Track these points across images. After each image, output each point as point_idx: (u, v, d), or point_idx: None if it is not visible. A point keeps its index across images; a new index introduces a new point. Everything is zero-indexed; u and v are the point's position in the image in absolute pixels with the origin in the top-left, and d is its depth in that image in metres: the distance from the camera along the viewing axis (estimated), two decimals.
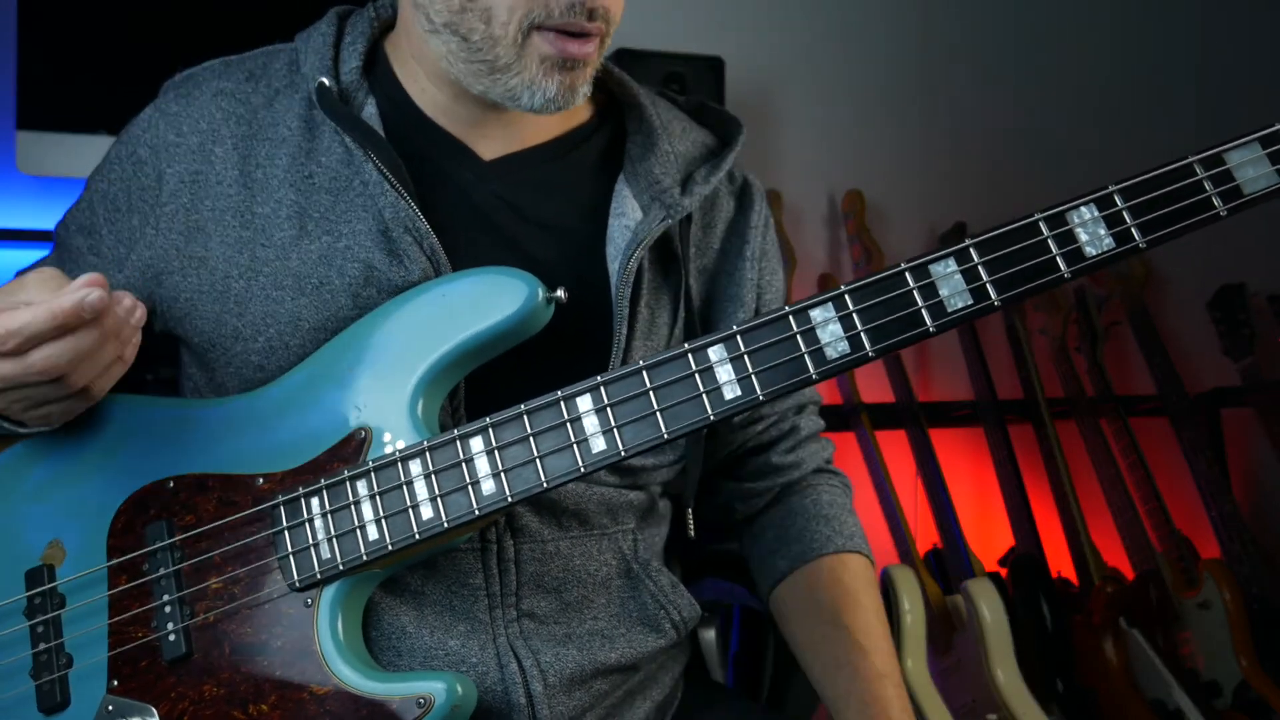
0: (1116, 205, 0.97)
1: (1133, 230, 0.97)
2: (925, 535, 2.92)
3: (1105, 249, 0.98)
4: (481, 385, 1.14)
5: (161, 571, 1.11)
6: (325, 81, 1.19)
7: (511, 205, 1.20)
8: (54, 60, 2.20)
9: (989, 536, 3.08)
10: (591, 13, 1.09)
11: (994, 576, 2.78)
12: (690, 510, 1.28)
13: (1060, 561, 2.98)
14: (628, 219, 1.21)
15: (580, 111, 1.28)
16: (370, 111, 1.21)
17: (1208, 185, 0.97)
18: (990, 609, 2.59)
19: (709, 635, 1.56)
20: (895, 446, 2.96)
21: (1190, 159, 0.97)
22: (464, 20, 1.12)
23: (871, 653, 1.24)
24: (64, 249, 1.28)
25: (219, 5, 2.31)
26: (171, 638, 1.10)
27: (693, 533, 1.29)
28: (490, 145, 1.21)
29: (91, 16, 2.24)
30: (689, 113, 1.33)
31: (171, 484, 1.14)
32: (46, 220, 2.31)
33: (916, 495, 2.99)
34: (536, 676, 1.14)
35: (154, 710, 1.09)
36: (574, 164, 1.25)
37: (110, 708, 1.10)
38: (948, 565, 2.85)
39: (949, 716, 2.46)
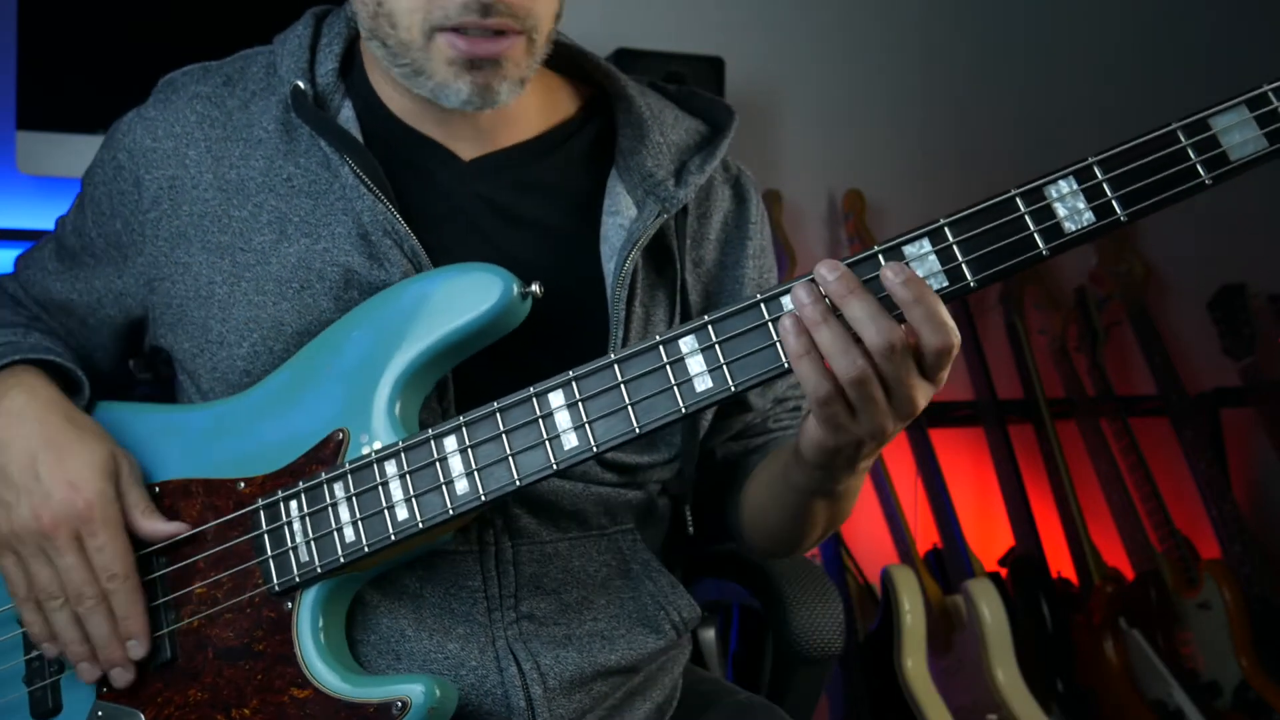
0: (1096, 177, 0.93)
1: (1113, 203, 0.93)
2: (925, 535, 2.92)
3: (1085, 224, 0.93)
4: (472, 387, 1.14)
5: (146, 577, 1.11)
6: (300, 85, 1.18)
7: (495, 206, 1.19)
8: (54, 60, 2.20)
9: (989, 536, 3.08)
10: (486, 9, 1.06)
11: (994, 576, 2.78)
12: (688, 508, 1.27)
13: (1060, 561, 2.98)
14: (622, 216, 1.19)
15: (565, 106, 1.26)
16: (347, 114, 1.20)
17: (1192, 153, 0.91)
18: (990, 609, 2.59)
19: (709, 635, 1.56)
20: (895, 446, 2.96)
21: (1173, 125, 0.92)
22: (379, 27, 1.11)
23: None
24: (60, 246, 1.29)
25: (219, 5, 2.31)
26: (156, 643, 1.10)
27: (691, 529, 1.28)
28: (467, 145, 1.20)
29: (91, 16, 2.24)
30: (678, 101, 1.30)
31: (157, 489, 1.14)
32: (46, 220, 2.30)
33: (916, 495, 2.99)
34: (536, 679, 1.13)
35: (141, 715, 1.10)
36: (560, 161, 1.23)
37: (100, 714, 1.11)
38: (948, 565, 2.85)
39: (949, 716, 2.47)
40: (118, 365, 1.32)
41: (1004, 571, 2.93)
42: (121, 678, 1.10)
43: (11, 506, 1.09)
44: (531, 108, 1.22)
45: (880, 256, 0.97)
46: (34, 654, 1.14)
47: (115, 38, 2.26)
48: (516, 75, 1.12)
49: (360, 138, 1.18)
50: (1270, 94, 0.91)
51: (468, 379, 1.14)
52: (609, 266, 1.18)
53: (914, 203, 3.22)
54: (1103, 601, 2.81)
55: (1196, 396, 3.27)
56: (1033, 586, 2.87)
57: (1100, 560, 2.96)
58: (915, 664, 2.53)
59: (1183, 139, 0.92)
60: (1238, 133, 0.91)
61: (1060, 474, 2.99)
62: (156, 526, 1.11)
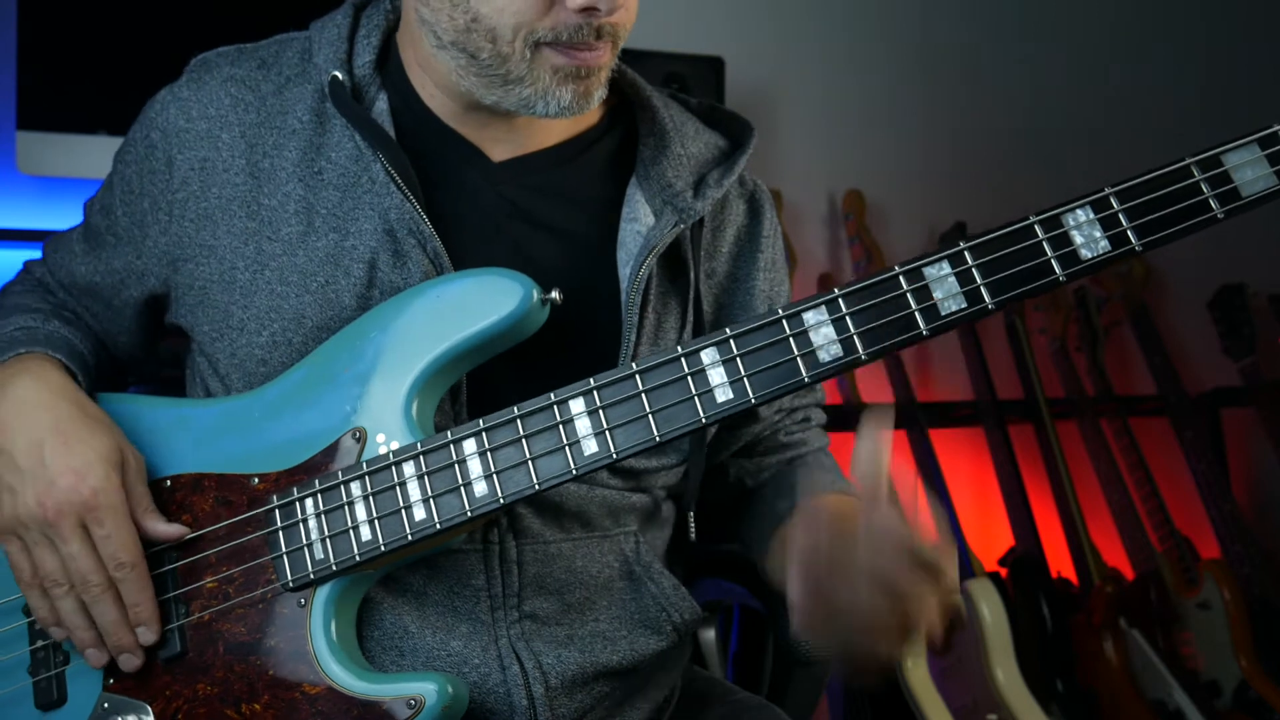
0: (1113, 208, 0.97)
1: (1129, 233, 0.96)
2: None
3: (1101, 252, 0.96)
4: (485, 390, 1.14)
5: (157, 570, 1.11)
6: (339, 75, 1.18)
7: (519, 208, 1.20)
8: (54, 61, 2.20)
9: (989, 536, 3.08)
10: (599, 31, 1.09)
11: (994, 576, 2.78)
12: (691, 514, 1.28)
13: (1060, 561, 2.98)
14: (639, 224, 1.20)
15: (591, 114, 1.26)
16: (381, 107, 1.20)
17: (1205, 187, 0.95)
18: (990, 609, 2.59)
19: (709, 635, 1.56)
20: (895, 446, 2.95)
21: (1188, 160, 0.96)
22: (470, 39, 1.11)
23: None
24: (87, 226, 1.31)
25: (219, 6, 2.31)
26: (166, 636, 1.10)
27: (694, 536, 1.28)
28: (499, 148, 1.21)
29: (91, 17, 2.24)
30: (700, 115, 1.32)
31: (169, 483, 1.14)
32: (47, 220, 2.32)
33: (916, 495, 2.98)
34: (538, 678, 1.14)
35: (149, 708, 1.10)
36: (584, 167, 1.24)
37: (106, 705, 1.11)
38: None
39: (949, 716, 2.47)
40: (143, 349, 1.32)
41: (1004, 571, 2.93)
42: (129, 663, 1.10)
43: (16, 492, 1.09)
44: None
45: (901, 278, 0.99)
46: (39, 644, 1.14)
47: (115, 38, 2.26)
48: (605, 79, 1.15)
49: (393, 132, 1.19)
50: None
51: (480, 380, 1.14)
52: (624, 273, 1.19)
53: (914, 203, 3.22)
54: (1103, 601, 2.81)
55: (1196, 396, 3.27)
56: (1033, 586, 2.87)
57: (1100, 560, 2.95)
58: (915, 664, 2.53)
59: (1196, 174, 0.96)
60: (1249, 170, 0.95)
61: (1060, 474, 2.98)
62: (157, 527, 1.11)
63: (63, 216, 2.24)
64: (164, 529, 1.11)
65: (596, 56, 1.11)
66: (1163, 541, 2.92)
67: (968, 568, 2.79)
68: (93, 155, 2.16)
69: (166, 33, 2.27)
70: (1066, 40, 3.44)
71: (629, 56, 2.57)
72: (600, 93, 1.15)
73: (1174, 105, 3.50)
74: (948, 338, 3.14)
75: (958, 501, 2.88)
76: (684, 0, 3.01)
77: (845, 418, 2.94)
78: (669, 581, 1.25)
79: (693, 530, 1.28)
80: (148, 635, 1.10)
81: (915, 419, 2.94)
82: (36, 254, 2.39)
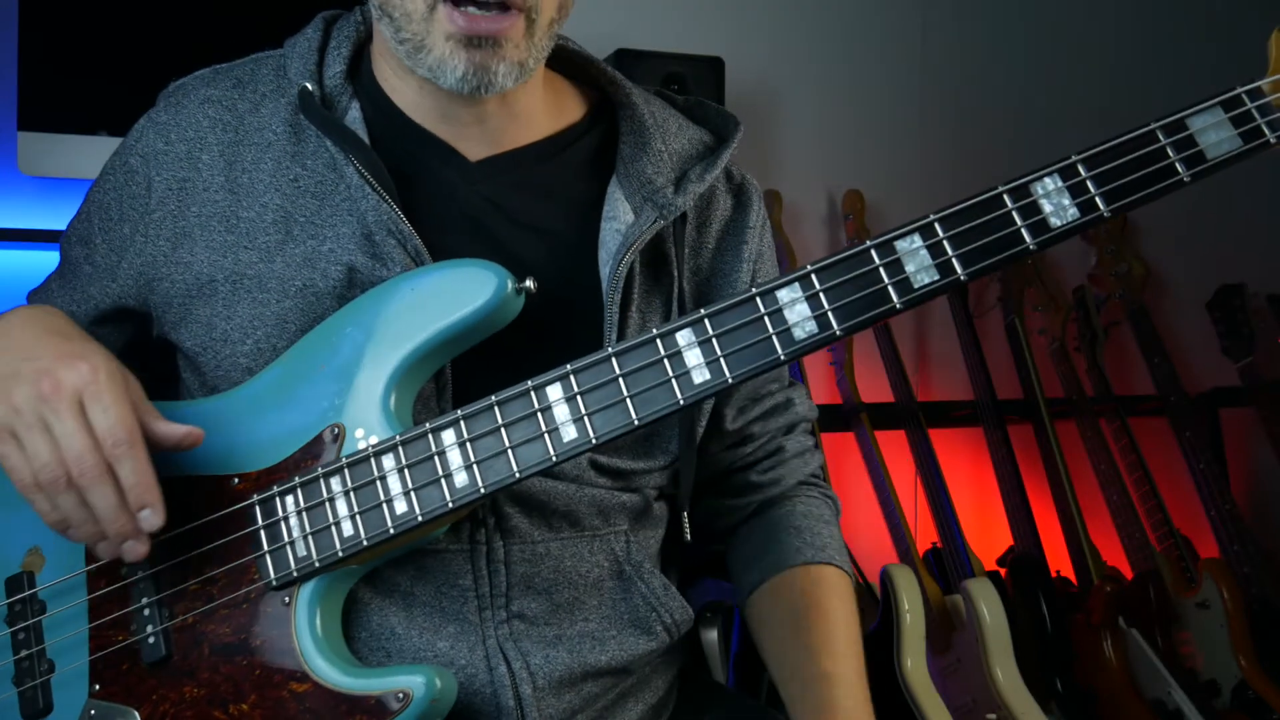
0: (1080, 175, 0.97)
1: (1097, 199, 0.97)
2: (925, 535, 2.92)
3: (1070, 219, 0.97)
4: (471, 390, 1.14)
5: (140, 574, 1.11)
6: (308, 86, 1.19)
7: (499, 207, 1.20)
8: (54, 61, 2.21)
9: (988, 536, 3.09)
10: None
11: (993, 576, 2.79)
12: (685, 515, 1.27)
13: (1059, 561, 2.98)
14: (619, 221, 1.20)
15: (572, 111, 1.27)
16: (354, 116, 1.20)
17: (1170, 151, 0.96)
18: (990, 609, 2.59)
19: (710, 636, 1.56)
20: (895, 446, 2.96)
21: (1152, 125, 0.97)
22: (387, 0, 1.12)
23: (822, 656, 1.21)
24: (65, 260, 1.30)
25: (219, 6, 2.31)
26: (151, 640, 1.10)
27: (688, 536, 1.28)
28: (475, 147, 1.21)
29: (92, 17, 2.24)
30: (685, 111, 1.32)
31: None
32: (47, 220, 2.32)
33: (916, 495, 2.99)
34: (525, 679, 1.14)
35: (136, 713, 1.09)
36: (564, 165, 1.24)
37: (93, 712, 1.10)
38: (947, 565, 2.85)
39: (949, 716, 2.47)
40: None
41: (1003, 571, 2.93)
42: (134, 551, 1.04)
43: (11, 381, 1.03)
44: (539, 110, 1.23)
45: (873, 251, 0.99)
46: (23, 654, 1.13)
47: (115, 38, 2.26)
48: (515, 58, 1.11)
49: (367, 138, 1.19)
50: (1244, 95, 0.96)
51: (466, 381, 1.14)
52: (605, 271, 1.19)
53: (913, 203, 3.22)
54: (1102, 601, 2.82)
55: (1196, 396, 3.27)
56: (1032, 586, 2.87)
57: (1099, 560, 2.96)
58: (915, 663, 2.53)
59: (1161, 138, 0.97)
60: (1213, 133, 0.96)
61: (1059, 474, 2.99)
62: (170, 429, 1.05)
63: (63, 217, 2.24)
64: (177, 429, 1.05)
65: (493, 23, 1.08)
66: (1162, 541, 2.92)
67: (967, 567, 2.80)
68: (93, 155, 2.17)
69: (167, 33, 2.27)
70: (1067, 40, 3.45)
71: (629, 56, 2.59)
72: (506, 70, 1.11)
73: (1175, 105, 3.50)
74: (948, 336, 3.14)
75: (957, 501, 2.89)
76: (684, 0, 3.01)
77: (845, 418, 2.95)
78: (659, 581, 1.24)
79: (687, 531, 1.28)
80: (153, 520, 1.02)
81: (915, 419, 2.94)
82: (37, 254, 2.39)
